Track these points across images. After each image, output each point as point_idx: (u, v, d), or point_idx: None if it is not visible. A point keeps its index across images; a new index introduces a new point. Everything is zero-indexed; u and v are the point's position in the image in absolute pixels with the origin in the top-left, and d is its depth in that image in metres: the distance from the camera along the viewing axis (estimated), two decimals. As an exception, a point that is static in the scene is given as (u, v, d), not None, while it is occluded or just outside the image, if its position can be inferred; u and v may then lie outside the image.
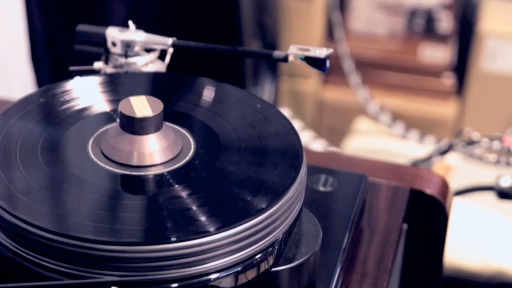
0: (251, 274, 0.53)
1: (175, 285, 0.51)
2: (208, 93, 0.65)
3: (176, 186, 0.55)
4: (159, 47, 0.67)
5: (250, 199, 0.54)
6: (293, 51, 0.61)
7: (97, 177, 0.55)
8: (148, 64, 0.67)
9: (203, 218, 0.52)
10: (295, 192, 0.56)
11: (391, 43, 1.96)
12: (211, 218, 0.52)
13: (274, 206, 0.53)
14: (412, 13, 1.96)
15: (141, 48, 0.67)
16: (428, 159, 1.11)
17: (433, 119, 1.90)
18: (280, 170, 0.57)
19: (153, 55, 0.68)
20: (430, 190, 0.73)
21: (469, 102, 1.88)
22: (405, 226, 0.71)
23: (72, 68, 0.67)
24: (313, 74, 1.91)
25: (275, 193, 0.54)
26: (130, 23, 0.67)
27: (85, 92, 0.64)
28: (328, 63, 0.60)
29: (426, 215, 0.73)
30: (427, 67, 1.92)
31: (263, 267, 0.54)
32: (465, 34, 1.94)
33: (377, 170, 0.74)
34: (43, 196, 0.53)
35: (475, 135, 1.06)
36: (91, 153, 0.57)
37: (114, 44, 0.66)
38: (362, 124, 1.77)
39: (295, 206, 0.56)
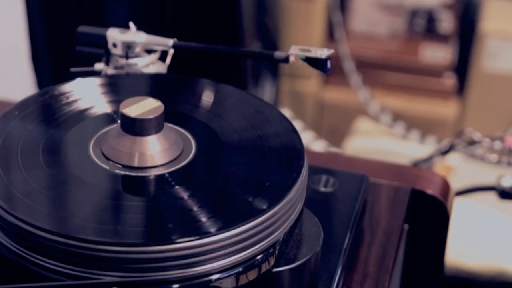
0: (252, 275, 0.53)
1: (176, 285, 0.51)
2: (209, 94, 0.65)
3: (177, 187, 0.55)
4: (160, 48, 0.67)
5: (251, 200, 0.54)
6: (294, 51, 0.61)
7: (98, 178, 0.55)
8: (149, 65, 0.67)
9: (204, 219, 0.52)
10: (297, 192, 0.56)
11: (391, 43, 1.96)
12: (212, 219, 0.52)
13: (276, 207, 0.53)
14: (413, 13, 1.96)
15: (142, 49, 0.67)
16: (429, 159, 1.11)
17: (434, 119, 1.90)
18: (281, 170, 0.57)
19: (154, 56, 0.68)
20: (431, 190, 0.72)
21: (470, 102, 1.88)
22: (406, 226, 0.71)
23: (73, 69, 0.66)
24: (314, 74, 1.91)
25: (276, 194, 0.54)
26: (131, 24, 0.67)
27: (86, 94, 0.64)
28: (329, 64, 0.60)
29: (427, 215, 0.73)
30: (428, 67, 1.92)
31: (264, 267, 0.54)
32: (466, 34, 1.94)
33: (378, 170, 0.74)
34: (45, 197, 0.53)
35: (476, 135, 1.06)
36: (92, 154, 0.57)
37: (115, 45, 0.66)
38: (362, 124, 1.77)
39: (296, 206, 0.56)
